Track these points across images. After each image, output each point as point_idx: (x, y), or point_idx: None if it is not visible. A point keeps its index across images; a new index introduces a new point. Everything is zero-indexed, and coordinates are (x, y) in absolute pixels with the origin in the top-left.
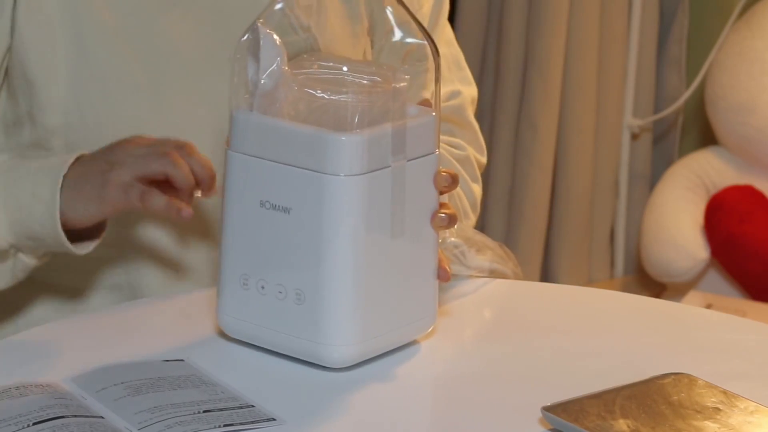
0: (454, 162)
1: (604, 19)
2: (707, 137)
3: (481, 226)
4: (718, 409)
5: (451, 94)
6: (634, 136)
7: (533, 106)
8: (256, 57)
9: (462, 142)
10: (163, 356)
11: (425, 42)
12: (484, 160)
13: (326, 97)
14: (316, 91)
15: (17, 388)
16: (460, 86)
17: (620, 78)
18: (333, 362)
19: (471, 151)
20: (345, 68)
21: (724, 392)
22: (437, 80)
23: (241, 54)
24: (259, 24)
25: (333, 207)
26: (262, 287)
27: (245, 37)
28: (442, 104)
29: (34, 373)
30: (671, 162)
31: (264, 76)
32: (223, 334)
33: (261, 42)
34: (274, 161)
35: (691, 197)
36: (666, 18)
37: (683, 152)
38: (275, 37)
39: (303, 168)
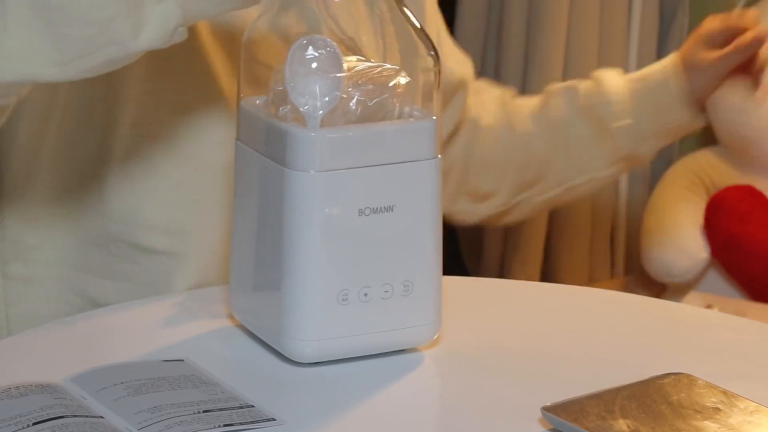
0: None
1: (604, 19)
2: (707, 137)
3: (480, 225)
4: (718, 409)
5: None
6: None
7: None
8: (325, 71)
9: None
10: (163, 356)
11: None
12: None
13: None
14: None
15: (17, 388)
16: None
17: None
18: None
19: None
20: (344, 66)
21: (724, 392)
22: (437, 85)
23: (295, 64)
24: (328, 39)
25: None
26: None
27: (300, 48)
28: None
29: (34, 373)
30: (671, 162)
31: (333, 93)
32: (224, 334)
33: (334, 59)
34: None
35: (691, 197)
36: (666, 18)
37: (683, 152)
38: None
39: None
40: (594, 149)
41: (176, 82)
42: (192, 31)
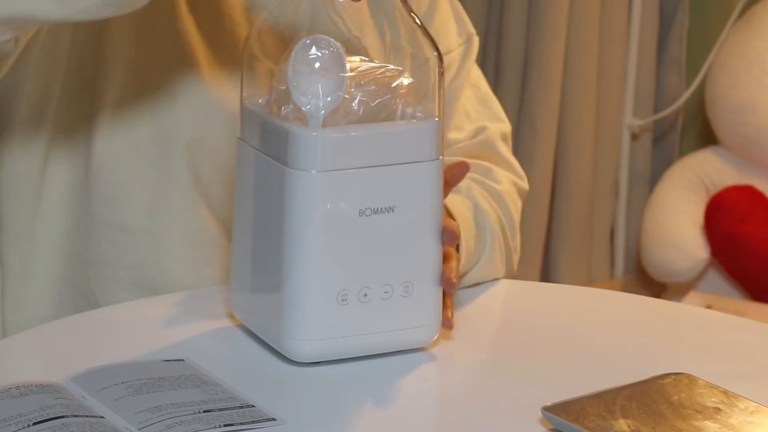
0: (490, 200)
1: (604, 19)
2: (707, 137)
3: None
4: (719, 409)
5: (477, 131)
6: (634, 136)
7: (533, 106)
8: (328, 71)
9: (498, 176)
10: (163, 356)
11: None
12: (525, 186)
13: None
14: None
15: (17, 387)
16: (487, 122)
17: (620, 78)
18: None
19: (506, 184)
20: (347, 66)
21: (725, 392)
22: (440, 86)
23: (298, 64)
24: (331, 39)
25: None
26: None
27: (303, 47)
28: (470, 141)
29: (34, 373)
30: (671, 162)
31: (336, 93)
32: (224, 334)
33: (337, 59)
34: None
35: (691, 197)
36: (666, 18)
37: (683, 152)
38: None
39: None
40: None
41: (157, 60)
42: (174, 15)
